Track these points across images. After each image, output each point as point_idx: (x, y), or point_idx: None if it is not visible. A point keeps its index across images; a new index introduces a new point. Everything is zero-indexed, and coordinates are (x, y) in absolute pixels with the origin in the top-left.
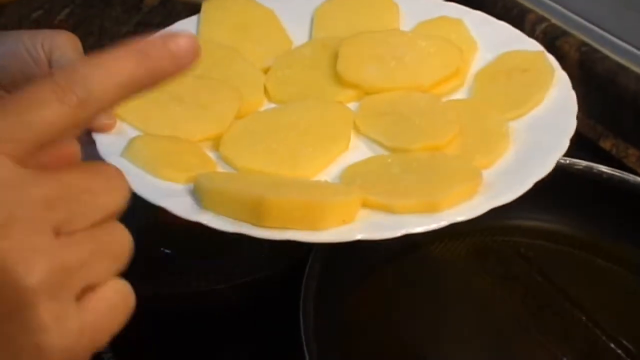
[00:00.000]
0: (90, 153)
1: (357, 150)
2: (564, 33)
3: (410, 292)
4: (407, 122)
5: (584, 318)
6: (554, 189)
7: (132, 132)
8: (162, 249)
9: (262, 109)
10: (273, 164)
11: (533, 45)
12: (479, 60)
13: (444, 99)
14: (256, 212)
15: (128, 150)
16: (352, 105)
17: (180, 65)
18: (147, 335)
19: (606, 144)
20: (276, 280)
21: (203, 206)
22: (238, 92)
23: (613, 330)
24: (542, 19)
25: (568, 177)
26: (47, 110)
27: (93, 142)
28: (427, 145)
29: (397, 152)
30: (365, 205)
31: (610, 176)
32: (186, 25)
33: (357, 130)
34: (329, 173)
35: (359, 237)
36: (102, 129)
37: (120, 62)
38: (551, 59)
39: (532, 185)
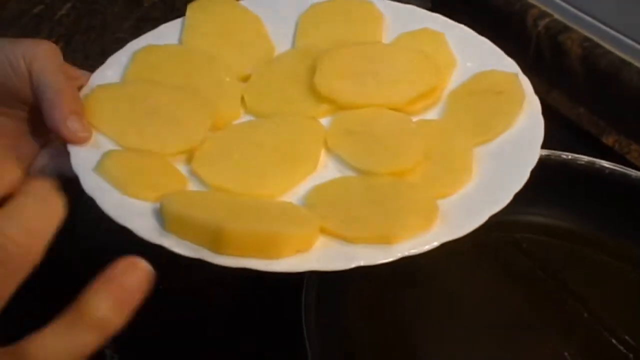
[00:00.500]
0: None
1: (326, 169)
2: (567, 28)
3: (412, 289)
4: (376, 143)
5: (585, 314)
6: (556, 184)
7: (107, 144)
8: None
9: (239, 120)
10: (241, 183)
11: (510, 66)
12: (456, 77)
13: (416, 118)
14: (215, 240)
15: (100, 165)
16: (326, 120)
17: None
18: (149, 329)
19: (609, 140)
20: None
21: (166, 229)
22: (214, 106)
23: (614, 326)
24: (545, 14)
25: (570, 172)
26: None
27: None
28: (392, 171)
29: (363, 174)
30: (323, 232)
31: (612, 171)
32: (170, 29)
33: (328, 147)
34: (296, 192)
35: (312, 268)
36: (78, 142)
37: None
38: (525, 82)
39: (487, 219)
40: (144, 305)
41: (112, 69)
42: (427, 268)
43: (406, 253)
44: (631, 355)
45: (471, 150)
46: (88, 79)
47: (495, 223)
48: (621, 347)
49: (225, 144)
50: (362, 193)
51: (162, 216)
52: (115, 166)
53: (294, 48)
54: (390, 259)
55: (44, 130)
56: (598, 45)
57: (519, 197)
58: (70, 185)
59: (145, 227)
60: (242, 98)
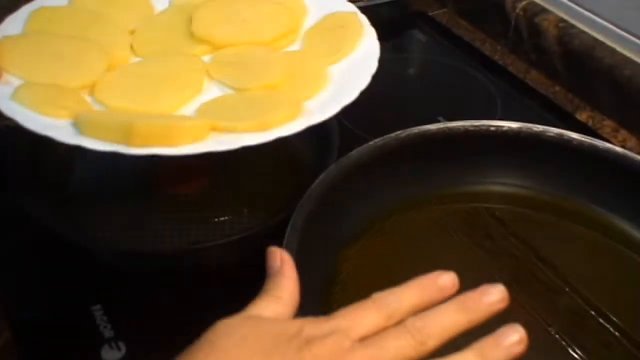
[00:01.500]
0: None
1: (210, 92)
2: (543, 10)
3: (390, 253)
4: (249, 69)
5: (558, 280)
6: (528, 155)
7: (18, 82)
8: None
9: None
10: (138, 102)
11: (351, 8)
12: (310, 20)
13: (280, 52)
14: (126, 135)
15: (16, 94)
16: (205, 59)
17: (492, 314)
18: (134, 292)
19: (583, 116)
20: (261, 239)
21: (82, 134)
22: (107, 50)
23: (581, 287)
24: None
25: (541, 144)
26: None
27: None
28: (262, 85)
29: (240, 91)
30: (214, 129)
31: (581, 142)
32: None
33: (210, 76)
34: (186, 110)
35: (206, 150)
36: None
37: (452, 316)
38: (362, 18)
39: (340, 109)
40: (127, 266)
41: (11, 26)
42: (404, 234)
43: (278, 135)
44: (593, 312)
45: (325, 68)
46: None
47: (470, 193)
48: (590, 310)
49: (121, 77)
50: (241, 101)
51: (78, 124)
52: (30, 93)
53: (171, 5)
54: (268, 139)
55: None
56: (573, 26)
57: (493, 168)
58: None
59: (63, 134)
60: (131, 46)
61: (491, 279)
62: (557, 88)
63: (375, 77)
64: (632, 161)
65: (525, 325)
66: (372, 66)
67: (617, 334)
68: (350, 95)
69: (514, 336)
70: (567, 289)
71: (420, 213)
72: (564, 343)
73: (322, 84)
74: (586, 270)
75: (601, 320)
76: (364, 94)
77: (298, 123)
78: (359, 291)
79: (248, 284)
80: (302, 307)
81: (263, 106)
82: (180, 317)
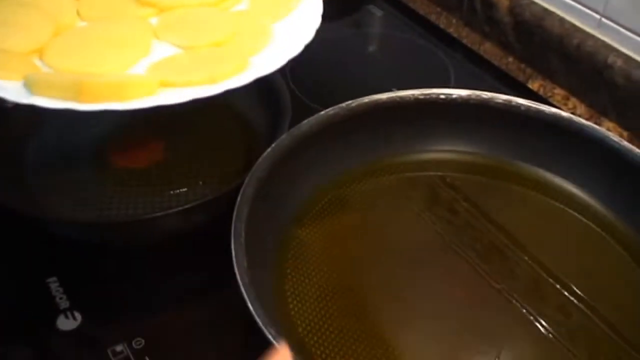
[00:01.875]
0: None
1: (158, 53)
2: None
3: (343, 222)
4: (196, 28)
5: (507, 240)
6: (478, 123)
7: None
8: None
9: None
10: (87, 64)
11: None
12: None
13: (227, 11)
14: (77, 92)
15: None
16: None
17: None
18: (90, 262)
19: (534, 85)
20: (213, 207)
21: (33, 93)
22: (54, 15)
23: (527, 246)
24: None
25: (490, 110)
26: None
27: None
28: (209, 42)
29: (188, 49)
30: (163, 85)
31: (528, 108)
32: None
33: (157, 37)
34: (135, 70)
35: (157, 103)
36: None
37: None
38: None
39: (285, 62)
40: (83, 235)
41: None
42: (358, 204)
43: (225, 88)
44: (550, 280)
45: (270, 25)
46: None
47: (422, 161)
48: (533, 264)
49: (68, 40)
50: (190, 58)
51: (29, 85)
52: None
53: None
54: (217, 92)
55: None
56: None
57: (444, 135)
58: None
59: (14, 95)
60: (77, 11)
61: (444, 246)
62: (510, 59)
63: (332, 52)
64: (577, 125)
65: (484, 293)
66: (316, 21)
67: (573, 299)
68: (295, 49)
69: None
70: (518, 251)
71: (372, 182)
72: (524, 311)
73: (267, 40)
74: (537, 233)
75: (558, 286)
76: (320, 68)
77: (246, 76)
78: (312, 258)
79: (202, 252)
80: (255, 274)
81: (211, 61)
82: (135, 286)
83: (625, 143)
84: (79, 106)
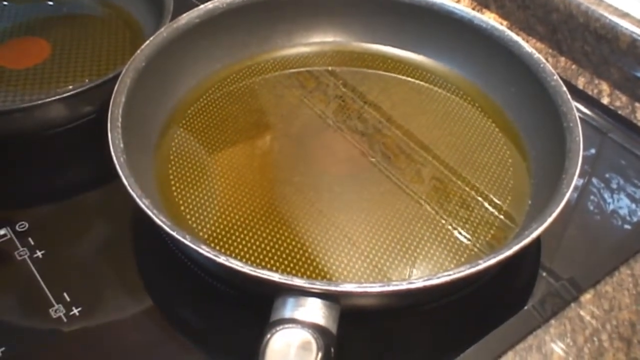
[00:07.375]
0: None
1: None
2: None
3: (225, 110)
4: None
5: (382, 119)
6: (350, 13)
7: None
8: None
9: None
10: None
11: None
12: None
13: None
14: None
15: None
16: None
17: None
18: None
19: None
20: (92, 96)
21: None
22: None
23: (400, 122)
24: None
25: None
26: None
27: None
28: None
29: None
30: None
31: None
32: None
33: None
34: None
35: None
36: None
37: None
38: None
39: None
40: None
41: None
42: (239, 98)
43: None
44: (397, 135)
45: None
46: None
47: (304, 55)
48: (408, 141)
49: None
50: None
51: None
52: None
53: None
54: None
55: None
56: None
57: (322, 28)
58: None
59: None
60: None
61: (325, 126)
62: None
63: None
64: (447, 8)
65: (362, 164)
66: None
67: (456, 180)
68: None
69: None
70: (384, 121)
71: (255, 76)
72: (395, 180)
73: None
74: (410, 110)
75: (428, 156)
76: None
77: None
78: (196, 145)
79: (90, 143)
80: (133, 157)
81: None
82: (20, 176)
83: (493, 23)
84: None
